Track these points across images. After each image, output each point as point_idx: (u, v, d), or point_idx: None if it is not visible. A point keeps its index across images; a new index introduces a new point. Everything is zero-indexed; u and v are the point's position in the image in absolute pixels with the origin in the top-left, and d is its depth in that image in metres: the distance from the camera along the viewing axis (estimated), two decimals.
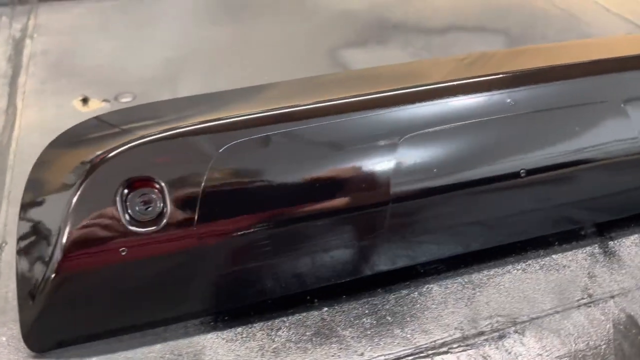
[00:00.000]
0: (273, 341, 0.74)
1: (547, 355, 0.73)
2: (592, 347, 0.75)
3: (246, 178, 0.72)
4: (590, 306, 0.80)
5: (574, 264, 0.86)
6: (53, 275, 0.68)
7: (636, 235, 0.91)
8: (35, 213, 0.73)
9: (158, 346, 0.73)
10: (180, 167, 0.70)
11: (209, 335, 0.75)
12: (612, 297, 0.81)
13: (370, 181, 0.75)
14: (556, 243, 0.89)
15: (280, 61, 1.40)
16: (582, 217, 0.88)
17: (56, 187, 0.73)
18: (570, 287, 0.82)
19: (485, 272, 0.84)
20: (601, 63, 0.88)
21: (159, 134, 0.71)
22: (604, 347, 0.75)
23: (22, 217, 0.73)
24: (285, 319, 0.77)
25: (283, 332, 0.75)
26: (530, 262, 0.86)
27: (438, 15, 1.61)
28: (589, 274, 0.84)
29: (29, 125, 1.16)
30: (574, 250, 0.88)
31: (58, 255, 0.67)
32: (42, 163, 0.77)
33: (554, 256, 0.87)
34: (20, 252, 0.71)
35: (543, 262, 0.86)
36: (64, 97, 1.24)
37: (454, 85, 0.81)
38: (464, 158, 0.79)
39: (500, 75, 0.84)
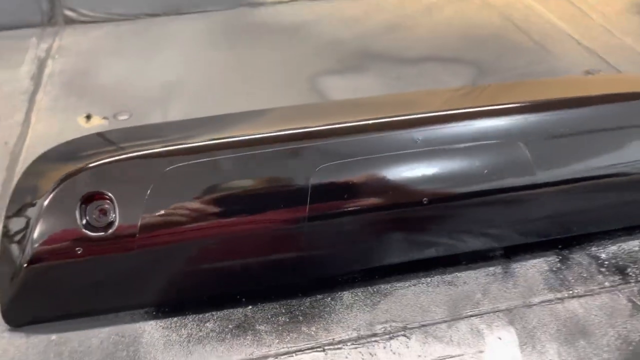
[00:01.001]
0: (200, 330, 0.90)
1: (426, 357, 0.86)
2: (469, 353, 0.87)
3: (183, 197, 0.88)
4: (476, 318, 0.92)
5: (473, 281, 0.98)
6: (25, 265, 0.86)
7: (537, 260, 1.02)
8: (16, 214, 0.91)
9: (107, 329, 0.90)
10: (128, 186, 0.87)
11: (149, 322, 0.91)
12: (497, 312, 0.93)
13: (290, 202, 0.90)
14: (464, 262, 1.02)
15: (264, 86, 1.57)
16: (476, 242, 1.00)
17: (33, 194, 0.91)
18: (464, 301, 0.95)
19: (393, 283, 0.98)
20: (508, 108, 1.00)
21: (113, 157, 0.89)
22: (479, 354, 0.87)
23: (6, 216, 0.92)
24: (214, 312, 0.93)
25: (210, 323, 0.91)
26: (435, 277, 0.99)
27: (417, 46, 1.74)
28: (483, 290, 0.97)
29: (38, 137, 1.36)
30: (477, 269, 1.01)
31: (29, 250, 0.85)
32: (27, 174, 0.96)
33: (457, 274, 1.00)
34: (3, 244, 0.90)
35: (447, 278, 0.99)
36: (71, 114, 1.44)
37: (371, 124, 0.96)
38: (375, 187, 0.93)
39: (413, 117, 0.98)
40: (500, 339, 0.89)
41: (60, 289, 0.89)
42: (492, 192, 0.95)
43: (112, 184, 0.87)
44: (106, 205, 0.87)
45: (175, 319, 0.92)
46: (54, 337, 0.89)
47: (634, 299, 0.95)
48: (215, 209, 0.88)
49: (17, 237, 0.89)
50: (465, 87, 1.45)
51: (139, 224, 0.86)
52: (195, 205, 0.88)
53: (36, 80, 1.60)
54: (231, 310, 0.93)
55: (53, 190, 0.87)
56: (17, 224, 0.90)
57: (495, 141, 0.96)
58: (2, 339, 0.88)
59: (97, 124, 1.41)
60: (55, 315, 0.90)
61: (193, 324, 0.91)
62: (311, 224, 0.90)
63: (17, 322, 0.90)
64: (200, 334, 0.90)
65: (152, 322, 0.91)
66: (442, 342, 0.88)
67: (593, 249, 1.05)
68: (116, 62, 1.70)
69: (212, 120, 1.10)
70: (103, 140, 1.05)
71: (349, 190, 0.91)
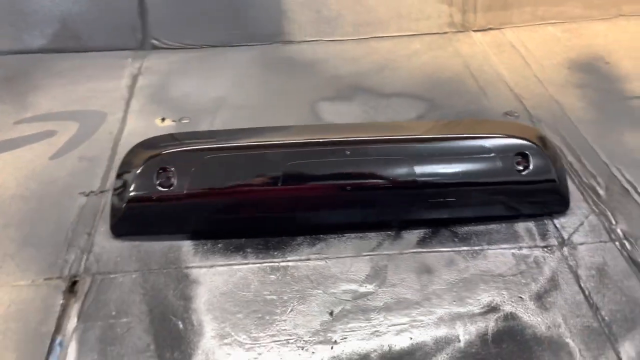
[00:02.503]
0: (214, 245, 1.63)
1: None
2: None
3: (211, 174, 1.61)
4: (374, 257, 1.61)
5: (375, 236, 1.67)
6: (125, 204, 1.62)
7: (417, 230, 1.69)
8: (121, 177, 1.67)
9: (165, 243, 1.64)
10: (182, 165, 1.61)
11: (187, 241, 1.65)
12: (383, 255, 1.61)
13: (265, 182, 1.62)
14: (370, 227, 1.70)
15: (280, 105, 2.29)
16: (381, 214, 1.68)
17: (131, 166, 1.66)
18: (365, 247, 1.64)
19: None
20: (406, 139, 1.68)
21: (175, 149, 1.64)
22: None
23: (116, 177, 1.68)
24: (227, 240, 1.66)
25: (220, 244, 1.64)
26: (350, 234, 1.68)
27: (394, 83, 2.41)
28: (380, 241, 1.65)
29: (130, 130, 2.13)
30: (378, 232, 1.69)
31: (128, 196, 1.61)
32: (128, 154, 1.73)
33: (368, 233, 1.68)
34: (114, 192, 1.66)
35: (358, 235, 1.68)
36: (152, 116, 2.21)
37: (321, 141, 1.66)
38: (316, 176, 1.63)
39: (350, 138, 1.67)
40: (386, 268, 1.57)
41: (142, 218, 1.64)
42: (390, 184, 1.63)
43: (174, 164, 1.61)
44: (170, 175, 1.61)
45: (203, 240, 1.65)
46: (136, 243, 1.64)
47: (462, 255, 1.61)
48: (228, 182, 1.61)
49: (122, 189, 1.65)
50: (399, 122, 2.12)
51: (186, 186, 1.60)
52: (218, 179, 1.61)
53: (130, 90, 2.39)
54: (231, 240, 1.66)
55: (142, 165, 1.63)
56: (122, 182, 1.66)
57: (392, 157, 1.64)
58: (109, 242, 1.65)
59: (168, 124, 2.17)
60: (138, 232, 1.66)
61: (211, 242, 1.64)
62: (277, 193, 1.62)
63: (118, 234, 1.66)
64: (214, 247, 1.63)
65: (189, 241, 1.65)
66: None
67: (456, 226, 1.71)
68: (184, 80, 2.47)
69: (233, 132, 1.85)
70: (171, 138, 1.81)
71: (301, 177, 1.62)
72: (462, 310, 1.47)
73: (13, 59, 2.61)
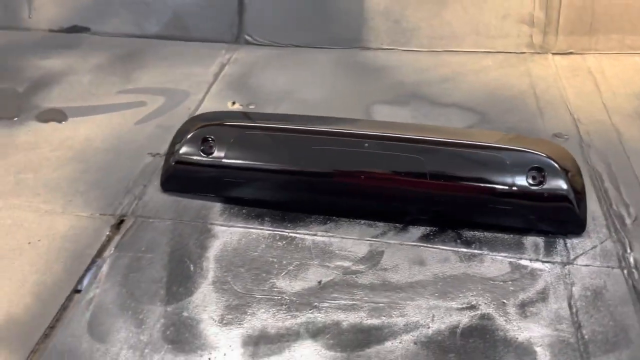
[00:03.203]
0: (232, 208, 1.86)
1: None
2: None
3: (245, 148, 1.85)
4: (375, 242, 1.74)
5: (383, 225, 1.79)
6: (173, 163, 1.90)
7: (422, 227, 1.79)
8: (174, 142, 1.96)
9: (202, 202, 1.90)
10: (223, 137, 1.86)
11: (218, 204, 1.90)
12: (382, 242, 1.73)
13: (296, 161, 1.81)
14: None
15: (340, 102, 2.47)
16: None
17: (182, 135, 1.94)
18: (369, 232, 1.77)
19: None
20: (429, 140, 1.79)
21: (216, 123, 1.89)
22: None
23: (171, 144, 1.97)
24: (250, 207, 1.88)
25: (244, 209, 1.87)
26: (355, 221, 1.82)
27: (453, 95, 2.49)
28: (384, 230, 1.77)
29: (204, 108, 2.44)
30: (384, 221, 1.81)
31: (176, 157, 1.90)
32: (185, 123, 2.02)
33: (377, 222, 1.81)
34: (167, 154, 1.96)
35: (368, 223, 1.81)
36: (225, 99, 2.51)
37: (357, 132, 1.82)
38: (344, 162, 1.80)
39: (371, 132, 1.81)
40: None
41: (184, 178, 1.92)
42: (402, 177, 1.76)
43: (215, 135, 1.87)
44: (211, 143, 1.87)
45: (233, 205, 1.89)
46: (178, 198, 1.92)
47: (459, 255, 1.68)
48: (258, 157, 1.84)
49: (173, 152, 1.94)
50: (429, 125, 2.20)
51: (223, 154, 1.84)
52: (249, 152, 1.84)
53: (215, 77, 2.72)
54: (255, 208, 1.88)
55: (190, 133, 1.90)
56: (174, 146, 1.95)
57: (407, 154, 1.76)
58: (157, 194, 1.94)
59: (236, 107, 2.46)
60: (181, 190, 1.94)
61: (238, 207, 1.87)
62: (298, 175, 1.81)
63: (166, 189, 1.95)
64: (239, 211, 1.85)
65: (221, 204, 1.89)
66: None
67: (463, 229, 1.78)
68: (263, 73, 2.75)
69: (279, 116, 2.07)
70: (223, 115, 2.09)
71: (320, 162, 1.80)
72: (441, 303, 1.55)
73: (132, 41, 3.07)
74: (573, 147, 2.12)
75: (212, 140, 1.87)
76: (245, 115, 2.08)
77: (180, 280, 1.63)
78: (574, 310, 1.52)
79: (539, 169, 1.71)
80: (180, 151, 1.90)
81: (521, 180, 1.71)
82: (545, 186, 1.70)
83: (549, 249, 1.71)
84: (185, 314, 1.53)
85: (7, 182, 2.01)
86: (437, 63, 2.76)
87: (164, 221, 1.83)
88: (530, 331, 1.47)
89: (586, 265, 1.65)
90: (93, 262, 1.70)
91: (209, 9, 3.02)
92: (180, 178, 1.92)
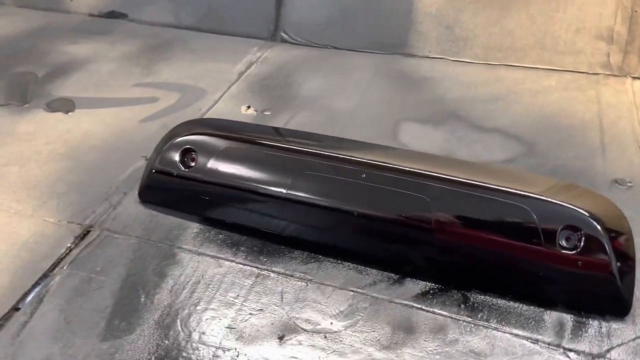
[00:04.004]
0: (208, 231, 1.62)
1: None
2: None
3: (227, 163, 1.60)
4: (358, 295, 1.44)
5: (375, 273, 1.49)
6: (151, 172, 1.70)
7: (421, 283, 1.47)
8: (154, 152, 1.75)
9: (176, 219, 1.69)
10: (204, 150, 1.63)
11: (195, 224, 1.67)
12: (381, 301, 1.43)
13: (276, 183, 1.55)
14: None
15: (367, 114, 2.17)
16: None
17: (167, 139, 1.73)
18: (356, 282, 1.47)
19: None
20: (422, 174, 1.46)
21: (200, 134, 1.66)
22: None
23: (154, 149, 1.77)
24: (223, 231, 1.64)
25: (212, 232, 1.63)
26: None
27: (499, 118, 2.11)
28: (375, 279, 1.47)
29: (217, 110, 2.22)
30: (377, 268, 1.50)
31: (154, 165, 1.69)
32: (174, 129, 1.80)
33: (365, 267, 1.51)
34: (148, 164, 1.75)
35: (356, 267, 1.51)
36: (241, 103, 2.28)
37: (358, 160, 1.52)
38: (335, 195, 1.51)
39: (371, 160, 1.51)
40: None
41: (161, 190, 1.70)
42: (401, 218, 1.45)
43: (197, 146, 1.64)
44: (193, 155, 1.64)
45: (210, 227, 1.66)
46: (154, 213, 1.71)
47: (460, 325, 1.35)
48: (237, 176, 1.59)
49: (154, 159, 1.73)
50: (448, 157, 1.87)
51: (205, 168, 1.61)
52: (229, 169, 1.59)
53: (239, 75, 2.50)
54: (232, 233, 1.63)
55: (172, 141, 1.68)
56: (156, 152, 1.74)
57: (408, 192, 1.44)
58: (133, 205, 1.75)
59: (250, 112, 2.22)
60: (158, 203, 1.73)
61: (216, 231, 1.64)
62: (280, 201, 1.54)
63: (143, 200, 1.75)
64: (216, 236, 1.62)
65: (198, 225, 1.66)
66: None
67: (472, 291, 1.44)
68: (291, 75, 2.49)
69: (274, 131, 1.81)
70: (214, 123, 1.87)
71: (305, 188, 1.52)
72: None
73: (166, 31, 2.91)
74: (635, 199, 1.70)
75: (194, 151, 1.64)
76: (240, 127, 1.83)
77: (125, 312, 1.42)
78: None
79: (575, 229, 1.34)
80: (158, 160, 1.69)
81: (550, 240, 1.35)
82: (581, 250, 1.34)
83: (577, 332, 1.34)
84: (117, 356, 1.32)
85: None
86: (488, 78, 2.38)
87: (129, 238, 1.63)
88: None
89: None
90: (44, 276, 1.53)
91: (245, 3, 2.80)
92: (156, 189, 1.71)
